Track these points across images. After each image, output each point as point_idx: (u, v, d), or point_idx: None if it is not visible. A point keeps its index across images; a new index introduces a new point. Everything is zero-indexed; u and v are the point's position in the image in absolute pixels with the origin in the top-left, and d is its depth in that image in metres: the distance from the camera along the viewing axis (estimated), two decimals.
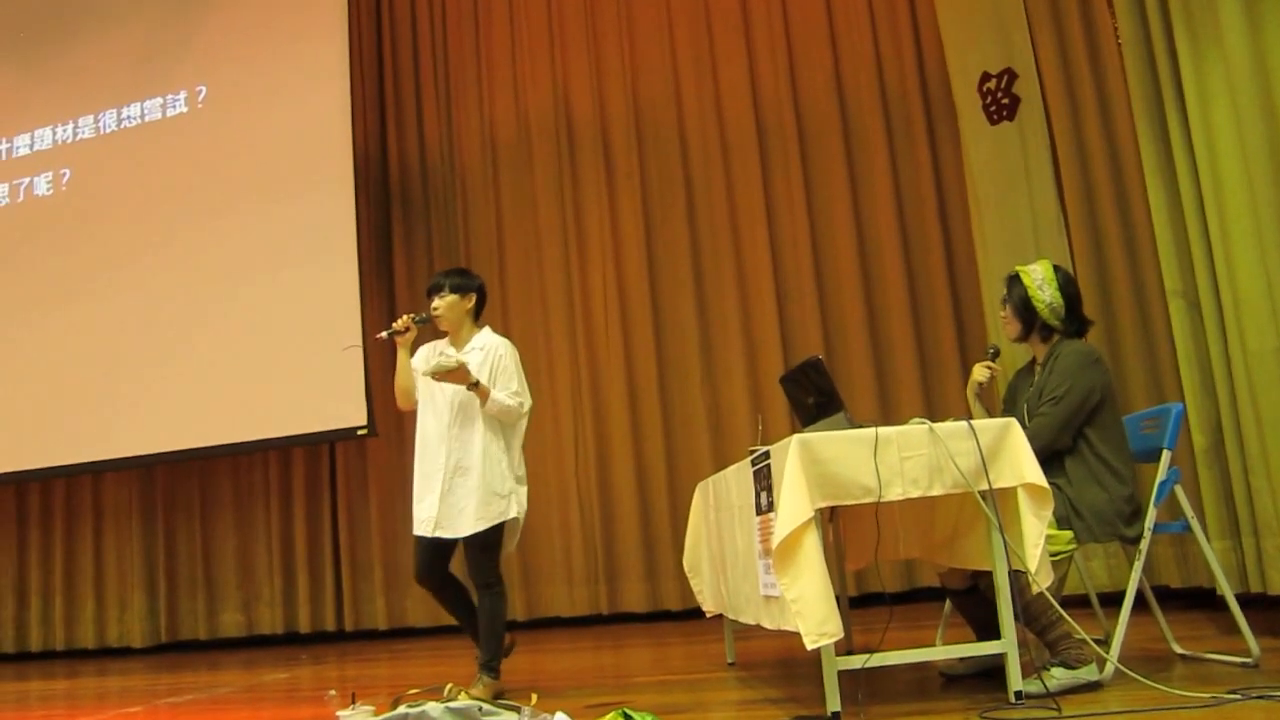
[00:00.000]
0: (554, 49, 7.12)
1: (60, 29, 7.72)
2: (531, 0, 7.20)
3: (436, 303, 3.88)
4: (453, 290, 3.88)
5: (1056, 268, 3.34)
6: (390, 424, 6.81)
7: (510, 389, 3.77)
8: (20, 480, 7.51)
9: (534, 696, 2.98)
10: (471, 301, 3.92)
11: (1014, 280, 3.36)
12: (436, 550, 3.80)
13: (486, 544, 3.75)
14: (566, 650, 5.50)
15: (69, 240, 7.46)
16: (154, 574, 7.40)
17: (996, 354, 3.53)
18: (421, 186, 7.30)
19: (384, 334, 3.88)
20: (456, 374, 3.62)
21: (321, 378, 6.66)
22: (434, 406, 3.84)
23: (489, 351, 3.84)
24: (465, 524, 3.72)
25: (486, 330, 3.97)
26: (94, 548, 7.58)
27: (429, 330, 3.96)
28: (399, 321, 3.82)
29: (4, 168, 7.80)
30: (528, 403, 3.85)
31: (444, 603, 3.92)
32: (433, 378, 3.68)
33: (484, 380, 3.72)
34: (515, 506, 3.78)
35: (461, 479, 3.74)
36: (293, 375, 6.74)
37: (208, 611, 7.28)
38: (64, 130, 7.66)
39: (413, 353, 3.95)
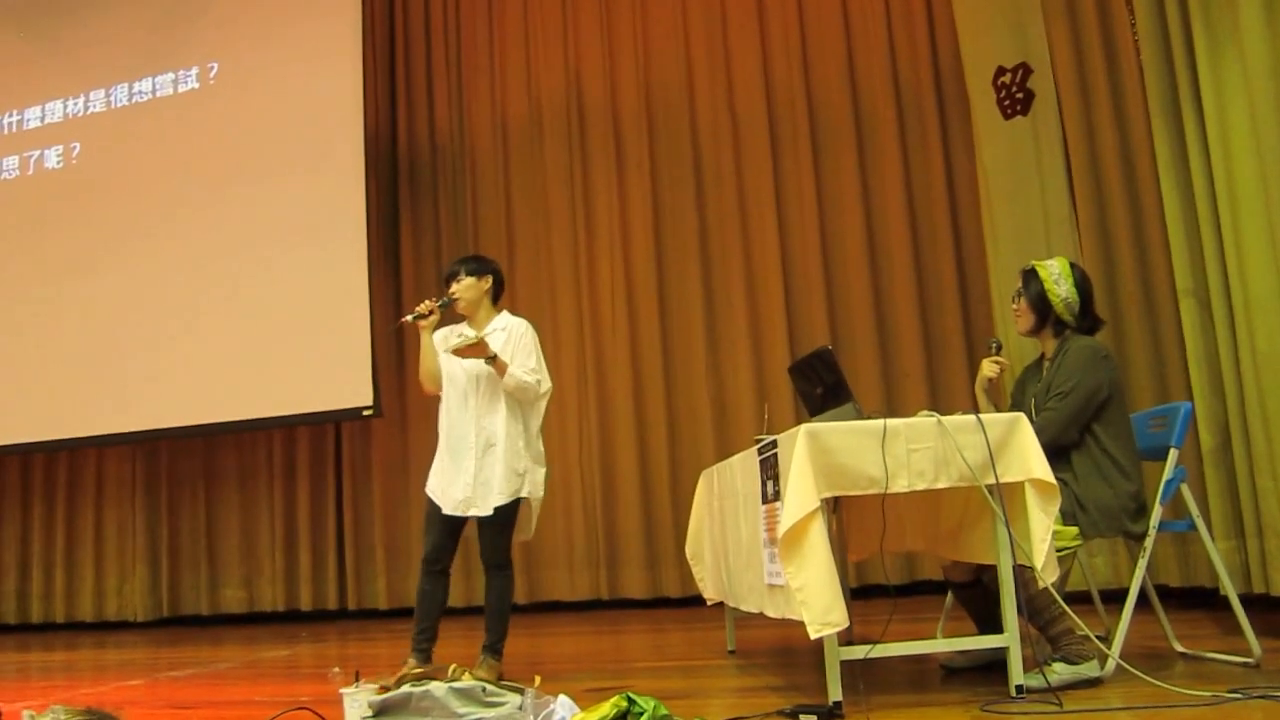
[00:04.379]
0: (567, 32, 7.10)
1: (73, 2, 7.69)
2: None
3: (454, 287, 3.91)
4: (469, 273, 3.92)
5: (1073, 264, 3.35)
6: (395, 405, 6.82)
7: (528, 366, 3.80)
8: (26, 452, 7.54)
9: (536, 679, 2.99)
10: (488, 283, 3.95)
11: (1030, 274, 3.36)
12: (455, 531, 3.82)
13: (504, 521, 3.77)
14: (567, 634, 5.52)
15: (78, 214, 7.46)
16: (156, 549, 7.43)
17: (1000, 348, 3.51)
18: (431, 168, 7.28)
19: (408, 318, 3.86)
20: (476, 348, 3.65)
21: (328, 357, 6.67)
22: (457, 386, 3.85)
23: (510, 331, 3.89)
24: (490, 499, 3.74)
25: (505, 313, 4.00)
26: (95, 521, 7.62)
27: (448, 315, 3.96)
28: (422, 306, 3.83)
29: (14, 140, 7.80)
30: (546, 382, 3.88)
31: (438, 589, 3.81)
32: (453, 354, 3.71)
33: (504, 357, 3.74)
34: (528, 485, 3.80)
35: (489, 455, 3.76)
36: (299, 354, 6.75)
37: (209, 587, 7.32)
38: (75, 103, 7.65)
39: None
